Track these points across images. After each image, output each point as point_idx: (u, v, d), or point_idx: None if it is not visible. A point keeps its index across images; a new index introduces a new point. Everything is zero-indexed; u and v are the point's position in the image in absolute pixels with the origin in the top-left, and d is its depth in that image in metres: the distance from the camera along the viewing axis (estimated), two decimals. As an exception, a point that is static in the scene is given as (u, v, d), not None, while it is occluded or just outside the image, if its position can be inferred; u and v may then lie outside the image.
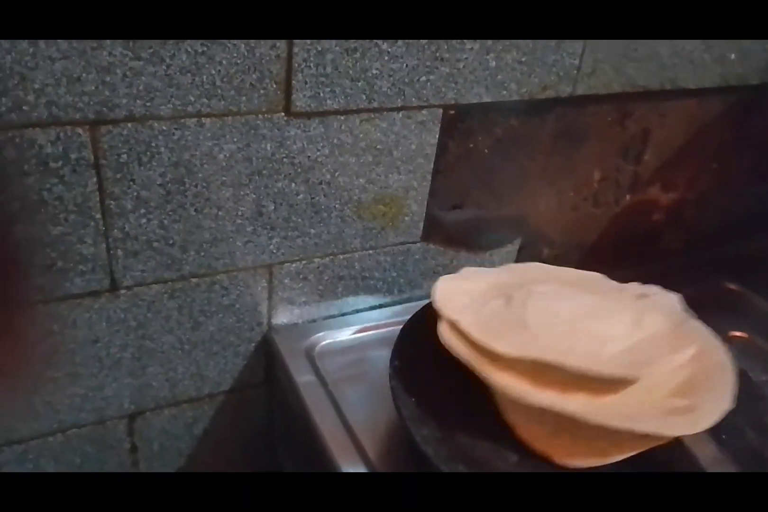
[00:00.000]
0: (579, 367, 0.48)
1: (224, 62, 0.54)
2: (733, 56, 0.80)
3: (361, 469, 0.56)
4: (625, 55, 0.72)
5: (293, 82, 0.58)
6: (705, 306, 0.86)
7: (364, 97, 0.61)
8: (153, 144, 0.56)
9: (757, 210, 0.97)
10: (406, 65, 0.61)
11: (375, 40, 0.59)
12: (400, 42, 0.60)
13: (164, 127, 0.55)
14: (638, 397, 0.50)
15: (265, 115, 0.59)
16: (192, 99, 0.55)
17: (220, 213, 0.62)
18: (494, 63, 0.65)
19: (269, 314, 0.71)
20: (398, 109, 0.64)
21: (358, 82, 0.60)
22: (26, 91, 0.49)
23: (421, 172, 0.69)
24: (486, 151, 0.72)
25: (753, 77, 0.83)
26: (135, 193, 0.57)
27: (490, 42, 0.64)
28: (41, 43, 0.48)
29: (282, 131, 0.60)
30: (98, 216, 0.57)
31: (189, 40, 0.52)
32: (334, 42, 0.57)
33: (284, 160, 0.62)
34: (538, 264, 0.68)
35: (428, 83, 0.64)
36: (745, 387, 0.61)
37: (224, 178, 0.60)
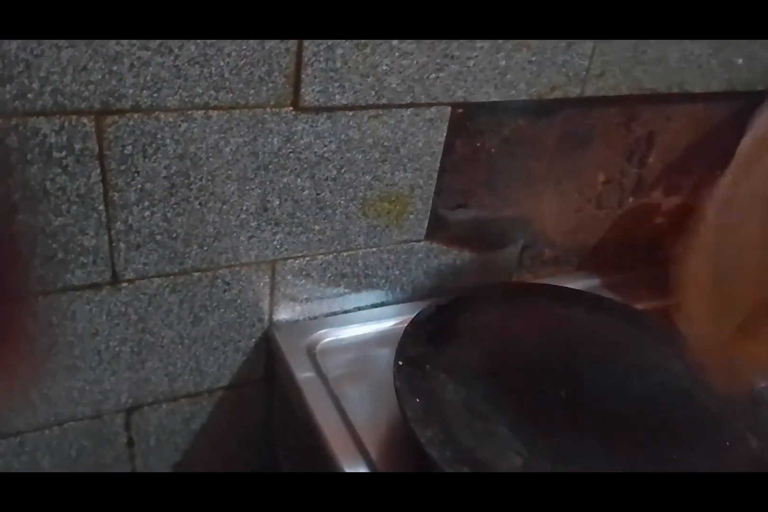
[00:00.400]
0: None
1: (233, 54, 0.54)
2: (740, 61, 0.80)
3: (362, 469, 0.55)
4: (634, 58, 0.72)
5: (302, 76, 0.57)
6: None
7: (373, 93, 0.61)
8: (159, 136, 0.55)
9: (759, 216, 0.97)
10: (416, 62, 0.61)
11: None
12: (411, 38, 0.59)
13: (170, 119, 0.55)
14: None
15: (273, 109, 0.58)
16: (200, 91, 0.54)
17: (224, 207, 0.61)
18: (504, 62, 0.65)
19: (271, 310, 0.70)
20: (407, 106, 0.63)
21: (367, 78, 0.60)
22: (31, 78, 0.48)
23: (427, 170, 0.69)
24: (492, 150, 0.72)
25: (760, 83, 0.83)
26: (139, 185, 0.56)
27: (500, 41, 0.63)
28: (48, 30, 0.47)
29: (289, 126, 0.59)
30: (101, 207, 0.56)
31: (198, 32, 0.51)
32: (344, 37, 0.57)
33: (291, 154, 0.61)
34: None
35: (438, 81, 0.63)
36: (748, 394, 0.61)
37: (230, 172, 0.59)
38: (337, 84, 0.59)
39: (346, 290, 0.73)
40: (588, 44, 0.68)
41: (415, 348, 0.60)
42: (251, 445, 0.79)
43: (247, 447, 0.79)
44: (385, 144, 0.65)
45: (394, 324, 0.72)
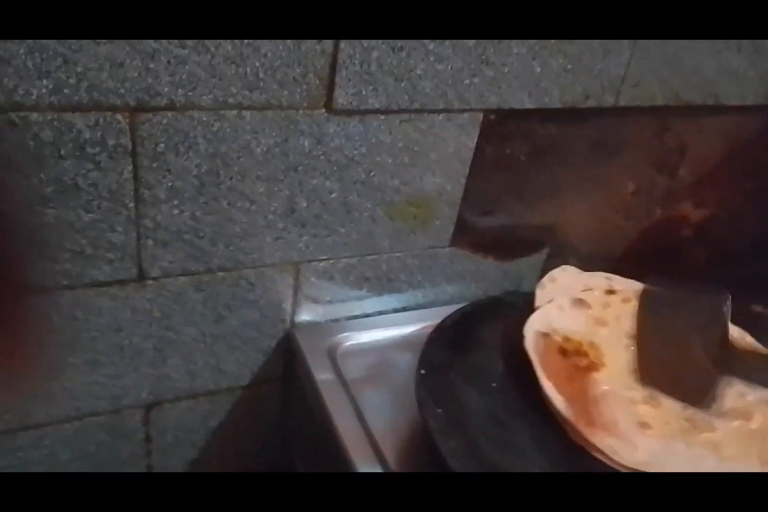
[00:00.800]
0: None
1: (269, 54, 0.53)
2: (777, 74, 0.79)
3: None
4: (672, 67, 0.71)
5: (336, 78, 0.57)
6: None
7: (406, 97, 0.60)
8: (191, 134, 0.55)
9: (788, 232, 0.96)
10: (451, 67, 0.60)
11: (422, 40, 0.58)
12: (447, 42, 0.59)
13: (204, 118, 0.54)
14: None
15: (306, 111, 0.58)
16: (234, 90, 0.54)
17: (252, 207, 0.61)
18: (539, 69, 0.64)
19: (293, 311, 0.70)
20: (439, 112, 0.63)
21: (401, 82, 0.59)
22: (68, 73, 0.48)
23: (455, 175, 0.68)
24: (522, 157, 0.71)
25: (796, 96, 0.82)
26: (169, 183, 0.56)
27: (536, 47, 0.63)
28: (87, 24, 0.47)
29: (321, 128, 0.59)
30: (131, 204, 0.56)
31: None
32: (381, 39, 0.56)
33: (321, 156, 0.61)
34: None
35: (471, 86, 0.62)
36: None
37: (259, 173, 0.59)
38: (370, 87, 0.58)
39: (369, 293, 0.73)
40: (625, 53, 0.67)
41: (438, 356, 0.59)
42: (267, 444, 0.79)
43: (263, 446, 0.79)
44: (415, 148, 0.64)
45: (416, 330, 0.72)
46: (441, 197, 0.69)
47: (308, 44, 0.54)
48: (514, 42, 0.61)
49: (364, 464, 0.56)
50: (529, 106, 0.66)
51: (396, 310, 0.76)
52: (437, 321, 0.65)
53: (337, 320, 0.73)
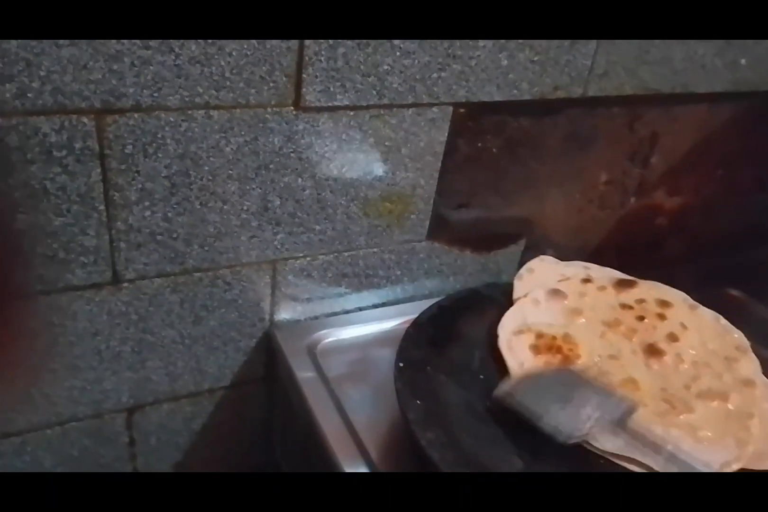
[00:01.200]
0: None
1: (234, 53, 0.53)
2: (744, 62, 0.79)
3: (363, 470, 0.55)
4: (638, 58, 0.72)
5: (304, 75, 0.57)
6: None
7: (374, 92, 0.61)
8: (159, 135, 0.55)
9: (762, 218, 0.97)
10: (418, 61, 0.61)
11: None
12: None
13: (171, 118, 0.54)
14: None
15: (274, 109, 0.58)
16: (200, 90, 0.54)
17: (225, 207, 0.61)
18: (506, 61, 0.65)
19: (272, 310, 0.70)
20: (408, 106, 0.63)
21: (369, 78, 0.59)
22: (32, 77, 0.48)
23: (429, 170, 0.69)
24: (495, 150, 0.71)
25: (764, 84, 0.83)
26: (140, 185, 0.56)
27: (503, 40, 0.63)
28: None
29: (290, 125, 0.59)
30: (101, 207, 0.56)
31: (199, 31, 0.51)
32: (346, 36, 0.56)
33: (292, 154, 0.61)
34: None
35: (440, 80, 0.63)
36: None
37: (230, 172, 0.59)
38: (338, 83, 0.59)
39: (347, 290, 0.73)
40: (591, 44, 0.68)
41: (417, 350, 0.60)
42: (251, 445, 0.79)
43: (248, 447, 0.79)
44: (387, 144, 0.65)
45: (396, 325, 0.72)
46: (415, 192, 0.70)
47: (274, 42, 0.54)
48: (480, 36, 0.62)
49: (348, 460, 0.56)
50: (498, 98, 0.67)
51: (375, 306, 0.76)
52: (417, 315, 0.65)
53: (316, 317, 0.73)
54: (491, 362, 0.60)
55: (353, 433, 0.58)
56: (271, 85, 0.56)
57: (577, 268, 0.73)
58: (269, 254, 0.66)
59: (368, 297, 0.75)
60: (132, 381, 0.67)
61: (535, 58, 0.66)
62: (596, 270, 0.73)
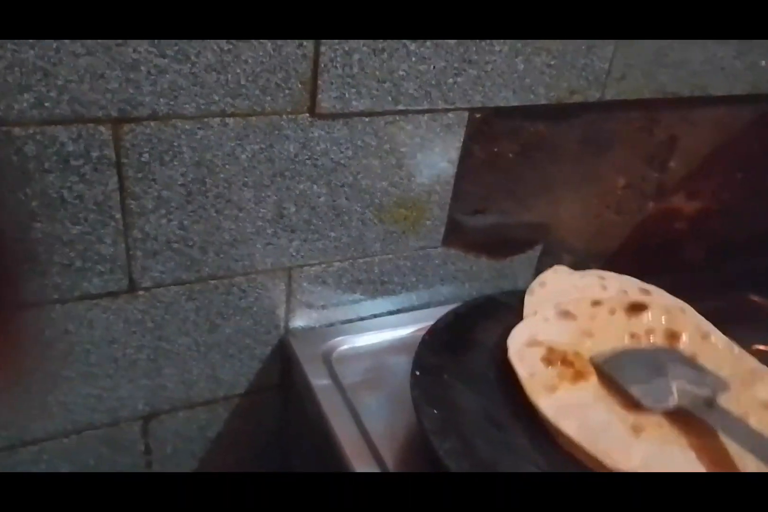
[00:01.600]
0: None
1: (250, 61, 0.53)
2: (764, 63, 0.78)
3: (379, 479, 0.54)
4: (656, 61, 0.71)
5: (319, 82, 0.57)
6: (727, 319, 0.84)
7: (390, 98, 0.60)
8: (175, 143, 0.55)
9: (782, 222, 0.96)
10: (434, 67, 0.60)
11: (403, 41, 0.58)
12: (428, 43, 0.58)
13: (187, 127, 0.54)
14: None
15: (290, 116, 0.58)
16: (216, 98, 0.54)
17: (240, 214, 0.61)
18: (523, 66, 0.64)
19: (287, 317, 0.70)
20: (424, 112, 0.63)
21: (384, 84, 0.59)
22: (49, 87, 0.48)
23: (444, 175, 0.68)
24: (511, 155, 0.71)
25: (784, 85, 0.82)
26: (156, 193, 0.56)
27: (519, 44, 0.63)
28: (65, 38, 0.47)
29: (306, 132, 0.59)
30: (118, 215, 0.56)
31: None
32: (361, 42, 0.56)
33: (307, 161, 0.61)
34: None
35: (455, 85, 0.62)
36: None
37: (246, 179, 0.59)
38: (353, 90, 0.58)
39: (363, 297, 0.73)
40: (609, 47, 0.67)
41: (433, 357, 0.59)
42: (266, 452, 0.79)
43: (262, 454, 0.79)
44: (402, 150, 0.64)
45: (411, 332, 0.72)
46: (430, 198, 0.69)
47: (289, 49, 0.54)
48: (496, 40, 0.61)
49: (363, 468, 0.56)
50: (514, 103, 0.66)
51: (390, 313, 0.76)
52: (432, 322, 0.65)
53: (331, 324, 0.73)
54: (507, 369, 0.60)
55: (369, 441, 0.58)
56: (287, 92, 0.56)
57: (593, 279, 0.71)
58: (284, 261, 0.66)
59: (383, 304, 0.75)
60: (148, 388, 0.67)
61: (552, 62, 0.65)
62: (612, 280, 0.71)
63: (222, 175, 0.58)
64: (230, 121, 0.56)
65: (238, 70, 0.53)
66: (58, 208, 0.53)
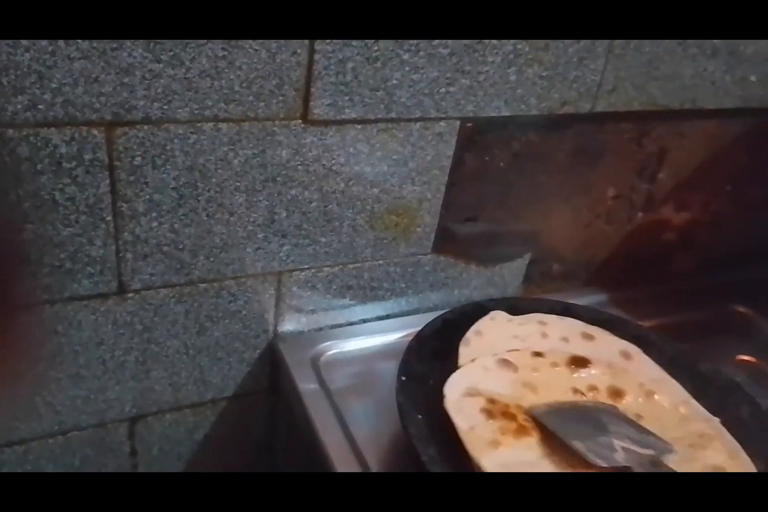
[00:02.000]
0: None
1: (244, 67, 0.54)
2: (753, 78, 0.79)
3: (363, 484, 0.55)
4: (647, 73, 0.72)
5: (312, 89, 0.57)
6: (713, 329, 0.85)
7: (382, 106, 0.61)
8: (168, 147, 0.55)
9: (770, 235, 0.97)
10: (427, 76, 0.61)
11: (396, 51, 0.58)
12: (421, 52, 0.59)
13: (180, 131, 0.55)
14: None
15: (283, 122, 0.58)
16: (210, 103, 0.54)
17: (231, 218, 0.61)
18: (515, 77, 0.65)
19: (276, 321, 0.70)
20: (416, 120, 0.63)
21: (377, 92, 0.60)
22: (43, 89, 0.49)
23: (435, 183, 0.69)
24: (502, 165, 0.71)
25: (774, 100, 0.83)
26: (147, 196, 0.57)
27: (512, 55, 0.63)
28: (60, 41, 0.47)
29: (298, 138, 0.59)
30: (109, 218, 0.56)
31: (210, 44, 0.52)
32: (355, 50, 0.57)
33: (299, 167, 0.61)
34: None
35: (448, 95, 0.63)
36: (755, 415, 0.60)
37: (238, 184, 0.59)
38: (347, 97, 0.59)
39: (352, 302, 0.73)
40: (600, 59, 0.68)
41: (419, 363, 0.60)
42: (254, 456, 0.79)
43: (250, 458, 0.79)
44: (394, 157, 0.65)
45: (400, 337, 0.72)
46: (422, 205, 0.70)
47: (283, 56, 0.55)
48: (489, 50, 0.62)
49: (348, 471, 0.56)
50: (506, 113, 0.67)
51: (380, 318, 0.76)
52: (420, 329, 0.65)
53: (320, 329, 0.73)
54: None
55: (354, 447, 0.58)
56: (280, 98, 0.57)
57: (532, 326, 0.67)
58: (275, 266, 0.66)
59: (373, 309, 0.75)
60: (135, 390, 0.67)
61: (544, 74, 0.66)
62: (553, 326, 0.68)
63: (214, 180, 0.58)
64: (223, 126, 0.56)
65: (232, 76, 0.54)
66: (49, 210, 0.54)
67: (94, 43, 0.48)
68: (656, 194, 0.85)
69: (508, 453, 0.52)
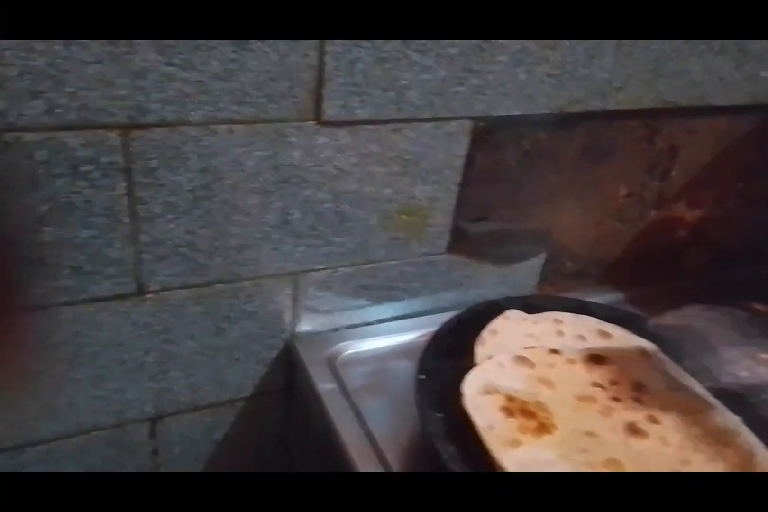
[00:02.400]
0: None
1: (255, 69, 0.55)
2: (763, 74, 0.79)
3: (382, 481, 0.55)
4: (656, 71, 0.72)
5: (324, 90, 0.58)
6: (728, 326, 0.85)
7: (393, 107, 0.61)
8: (182, 149, 0.56)
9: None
10: (436, 76, 0.61)
11: (405, 51, 0.59)
12: (431, 53, 0.60)
13: (194, 133, 0.56)
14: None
15: (295, 123, 0.59)
16: (222, 105, 0.55)
17: (246, 220, 0.62)
18: (524, 76, 0.65)
19: (292, 322, 0.71)
20: (427, 120, 0.64)
21: (388, 93, 0.60)
22: (59, 94, 0.50)
23: (447, 183, 0.69)
24: (513, 163, 0.72)
25: (784, 95, 0.82)
26: (163, 198, 0.57)
27: (520, 54, 0.64)
28: (75, 46, 0.48)
29: (311, 140, 0.60)
30: (126, 220, 0.57)
31: (220, 47, 0.52)
32: (364, 52, 0.57)
33: (312, 168, 0.62)
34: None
35: (458, 95, 0.63)
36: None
37: (252, 185, 0.60)
38: (358, 98, 0.59)
39: (368, 302, 0.74)
40: (608, 57, 0.68)
41: (436, 362, 0.60)
42: (271, 455, 0.80)
43: (267, 458, 0.80)
44: (406, 157, 0.65)
45: (416, 337, 0.72)
46: (434, 205, 0.70)
47: (294, 58, 0.55)
48: (497, 50, 0.62)
49: (368, 470, 0.56)
50: (516, 112, 0.67)
51: (395, 318, 0.77)
52: (436, 327, 0.66)
53: (336, 329, 0.74)
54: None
55: (374, 445, 0.59)
56: (292, 100, 0.57)
57: (547, 324, 0.67)
58: (290, 266, 0.67)
59: (388, 309, 0.76)
60: (154, 391, 0.68)
61: (553, 72, 0.66)
62: (568, 324, 0.67)
63: (228, 181, 0.59)
64: (236, 128, 0.57)
65: (244, 79, 0.55)
66: (67, 213, 0.55)
67: (108, 46, 0.49)
68: (667, 191, 0.85)
69: (528, 452, 0.51)
